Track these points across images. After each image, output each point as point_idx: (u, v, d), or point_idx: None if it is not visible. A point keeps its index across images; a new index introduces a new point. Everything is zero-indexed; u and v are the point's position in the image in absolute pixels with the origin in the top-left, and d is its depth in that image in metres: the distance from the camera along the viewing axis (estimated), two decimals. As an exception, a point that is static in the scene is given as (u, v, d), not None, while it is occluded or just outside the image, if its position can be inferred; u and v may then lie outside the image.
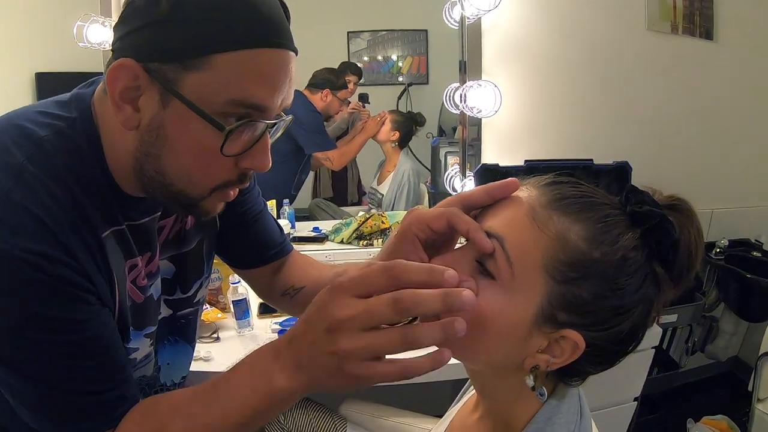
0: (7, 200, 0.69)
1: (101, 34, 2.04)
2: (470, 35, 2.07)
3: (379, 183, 2.62)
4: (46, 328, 0.71)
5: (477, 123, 2.11)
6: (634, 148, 2.14)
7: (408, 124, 2.59)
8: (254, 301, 1.93)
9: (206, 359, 1.67)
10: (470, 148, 2.13)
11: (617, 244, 0.63)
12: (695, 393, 2.88)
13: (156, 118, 0.72)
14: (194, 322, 1.11)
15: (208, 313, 1.81)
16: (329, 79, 2.52)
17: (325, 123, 2.68)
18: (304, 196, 2.69)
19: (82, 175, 0.76)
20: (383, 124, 2.59)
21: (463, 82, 2.08)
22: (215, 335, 1.78)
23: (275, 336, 1.77)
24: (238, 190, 0.83)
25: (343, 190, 2.81)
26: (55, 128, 0.76)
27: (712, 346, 2.74)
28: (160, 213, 0.92)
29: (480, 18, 2.05)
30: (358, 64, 2.69)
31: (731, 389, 2.93)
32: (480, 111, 1.99)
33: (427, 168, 2.63)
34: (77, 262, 0.73)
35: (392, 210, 2.47)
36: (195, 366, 1.63)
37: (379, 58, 2.75)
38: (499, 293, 0.64)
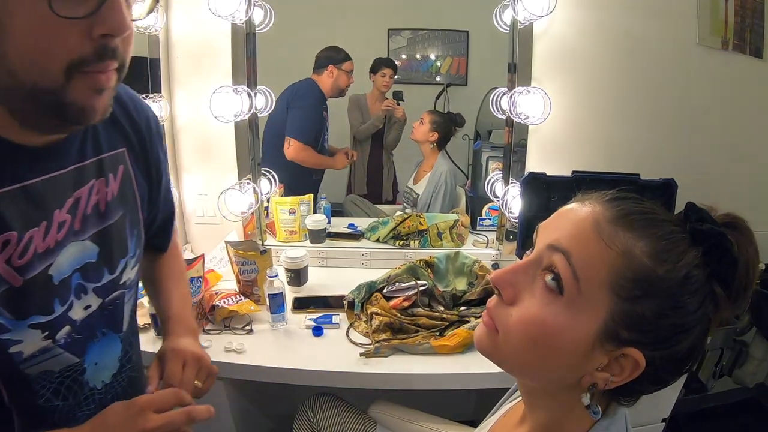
0: None
1: (149, 18, 2.03)
2: (521, 40, 2.03)
3: (415, 183, 2.59)
4: None
5: (523, 129, 2.07)
6: (679, 165, 2.10)
7: (447, 126, 2.57)
8: (289, 295, 1.92)
9: (239, 351, 1.66)
10: (514, 154, 2.10)
11: (681, 262, 0.62)
12: (720, 417, 2.83)
13: None
14: (121, 307, 1.00)
15: (243, 305, 1.80)
16: (330, 56, 2.52)
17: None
18: (339, 192, 2.68)
19: None
20: (350, 158, 2.64)
21: (511, 87, 2.05)
22: (248, 327, 1.77)
23: (308, 332, 1.75)
24: (112, 77, 0.73)
25: (378, 187, 2.79)
26: None
27: (740, 371, 2.68)
28: (71, 165, 0.84)
29: (532, 23, 2.01)
30: (396, 62, 2.67)
31: (756, 416, 2.88)
32: (528, 118, 1.95)
33: (462, 171, 2.61)
34: None
35: (427, 211, 2.44)
36: (227, 358, 1.64)
37: (419, 56, 2.74)
38: (563, 309, 0.64)
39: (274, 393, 1.98)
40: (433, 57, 2.74)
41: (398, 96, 2.70)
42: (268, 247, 1.93)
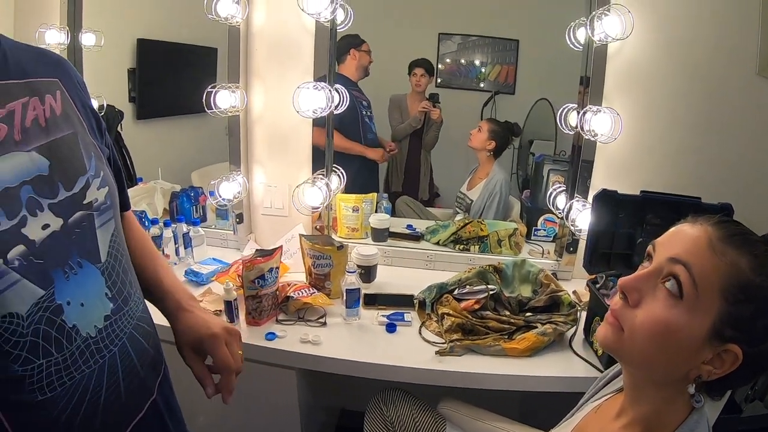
0: None
1: (230, 8, 2.09)
2: (595, 59, 2.08)
3: (469, 189, 2.64)
4: None
5: (591, 146, 2.12)
6: (737, 190, 2.15)
7: (504, 134, 2.62)
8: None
9: (315, 343, 1.71)
10: (579, 168, 2.15)
11: None
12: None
13: None
14: (92, 232, 0.93)
15: (316, 297, 1.84)
16: (349, 42, 2.57)
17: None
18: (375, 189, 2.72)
19: None
20: (388, 152, 2.71)
21: (582, 104, 2.10)
22: (322, 320, 1.81)
23: (382, 328, 1.80)
24: None
25: (415, 186, 2.83)
26: None
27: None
28: (9, 80, 0.85)
29: (606, 44, 2.06)
30: (442, 65, 2.72)
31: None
32: (597, 136, 2.00)
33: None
34: None
35: (479, 217, 2.49)
36: (303, 348, 1.69)
37: (467, 62, 2.77)
38: (683, 311, 0.80)
39: (337, 386, 2.02)
40: (481, 63, 2.77)
41: (434, 98, 2.75)
42: (344, 243, 1.97)
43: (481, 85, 2.78)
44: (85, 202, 0.91)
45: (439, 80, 2.85)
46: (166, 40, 2.72)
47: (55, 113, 0.92)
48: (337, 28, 2.14)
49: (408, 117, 2.75)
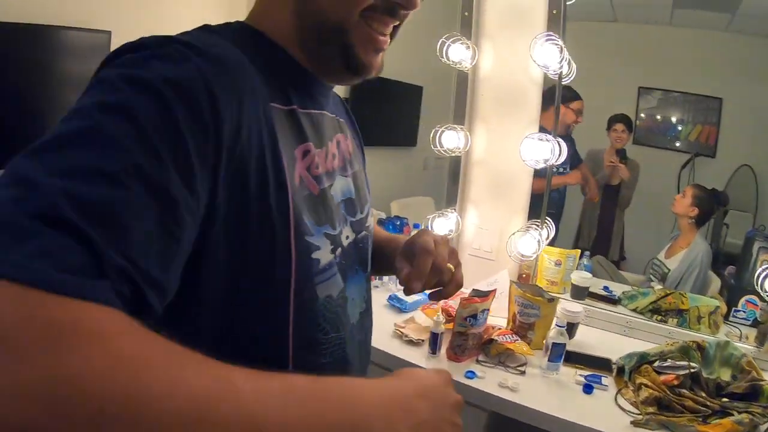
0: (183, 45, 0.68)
1: (461, 53, 2.28)
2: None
3: (667, 257, 2.62)
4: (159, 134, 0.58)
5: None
6: None
7: (709, 202, 2.56)
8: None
9: (513, 389, 1.79)
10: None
11: None
12: None
13: None
14: (367, 247, 1.10)
15: (519, 345, 1.94)
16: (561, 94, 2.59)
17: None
18: (566, 242, 2.76)
19: (249, 45, 0.82)
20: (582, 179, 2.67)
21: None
22: (522, 369, 1.91)
23: (578, 387, 1.86)
24: (386, 41, 0.90)
25: (605, 245, 2.84)
26: (208, 27, 0.84)
27: None
28: (328, 113, 0.99)
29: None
30: (640, 122, 2.70)
31: None
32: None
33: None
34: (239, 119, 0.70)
35: (675, 289, 2.47)
36: (500, 392, 1.77)
37: (666, 119, 2.73)
38: None
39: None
40: (679, 121, 2.72)
41: (621, 154, 2.73)
42: (555, 296, 2.06)
43: (677, 144, 2.75)
44: (366, 224, 1.10)
45: (636, 136, 2.85)
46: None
47: (351, 150, 1.09)
48: (563, 80, 2.24)
49: (599, 170, 2.78)
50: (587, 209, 2.90)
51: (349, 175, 1.04)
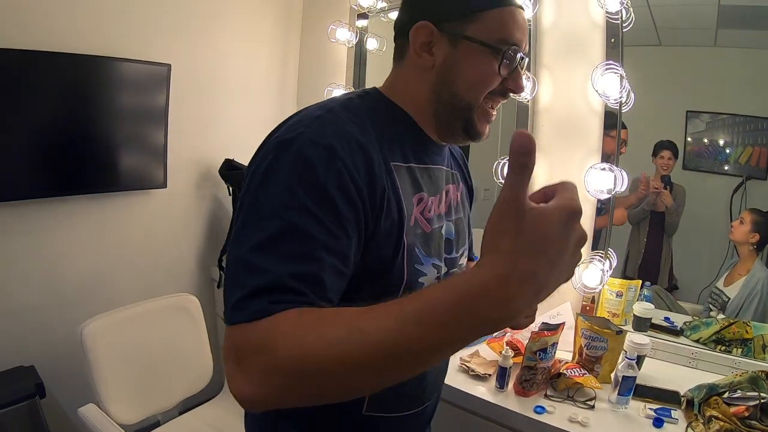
0: (322, 119, 0.98)
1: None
2: None
3: (726, 285, 2.60)
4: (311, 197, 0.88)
5: None
6: None
7: None
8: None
9: (584, 424, 1.80)
10: None
11: None
12: None
13: (448, 57, 1.09)
14: None
15: (587, 379, 1.95)
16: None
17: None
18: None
19: (380, 116, 1.09)
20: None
21: None
22: (591, 403, 1.91)
23: (648, 421, 1.86)
24: (495, 114, 1.16)
25: (653, 273, 2.81)
26: (354, 94, 1.13)
27: None
28: (444, 167, 1.25)
29: None
30: (688, 146, 2.67)
31: None
32: None
33: None
34: (372, 175, 0.98)
35: (736, 317, 2.44)
36: (569, 427, 1.79)
37: (714, 143, 2.69)
38: None
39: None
40: (727, 144, 2.67)
41: (666, 180, 2.71)
42: (623, 329, 2.06)
43: (726, 168, 2.72)
44: (459, 262, 1.30)
45: (684, 161, 2.82)
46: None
47: (458, 200, 1.32)
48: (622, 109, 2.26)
49: (642, 201, 2.76)
50: (633, 237, 2.87)
51: (453, 220, 1.26)
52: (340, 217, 0.89)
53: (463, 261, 1.33)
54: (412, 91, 1.14)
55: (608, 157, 2.61)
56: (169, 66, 2.93)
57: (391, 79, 1.19)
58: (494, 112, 1.16)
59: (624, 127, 2.67)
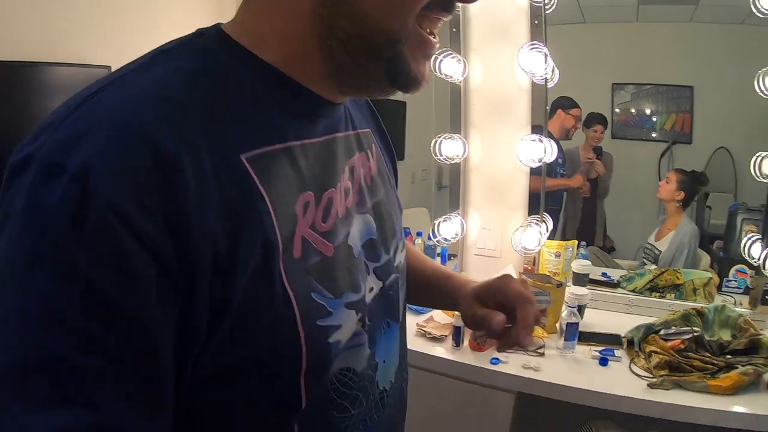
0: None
1: (453, 67, 2.48)
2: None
3: (657, 240, 2.78)
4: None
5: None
6: None
7: (693, 184, 2.69)
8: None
9: (536, 369, 1.95)
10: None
11: None
12: None
13: None
14: (397, 293, 0.88)
15: (536, 330, 2.08)
16: (559, 102, 2.76)
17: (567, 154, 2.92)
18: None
19: (222, 76, 0.63)
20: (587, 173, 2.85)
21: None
22: (541, 351, 2.06)
23: (594, 361, 2.02)
24: (435, 45, 0.69)
25: (590, 234, 2.96)
26: (173, 44, 0.67)
27: None
28: (342, 132, 0.79)
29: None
30: (616, 117, 2.84)
31: None
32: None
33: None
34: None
35: (669, 267, 2.62)
36: (524, 373, 1.92)
37: (641, 112, 2.84)
38: None
39: (546, 416, 2.21)
40: (654, 112, 2.83)
41: (597, 150, 2.88)
42: (563, 282, 2.22)
43: (653, 135, 2.86)
44: (395, 264, 0.88)
45: (613, 131, 2.97)
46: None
47: (374, 171, 0.88)
48: (549, 85, 2.43)
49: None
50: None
51: (368, 209, 0.83)
52: (125, 322, 0.49)
53: (400, 258, 0.91)
54: (279, 23, 0.65)
55: (567, 132, 2.81)
56: (109, 68, 2.90)
57: (242, 12, 0.68)
58: (435, 40, 0.68)
59: (576, 105, 2.83)
